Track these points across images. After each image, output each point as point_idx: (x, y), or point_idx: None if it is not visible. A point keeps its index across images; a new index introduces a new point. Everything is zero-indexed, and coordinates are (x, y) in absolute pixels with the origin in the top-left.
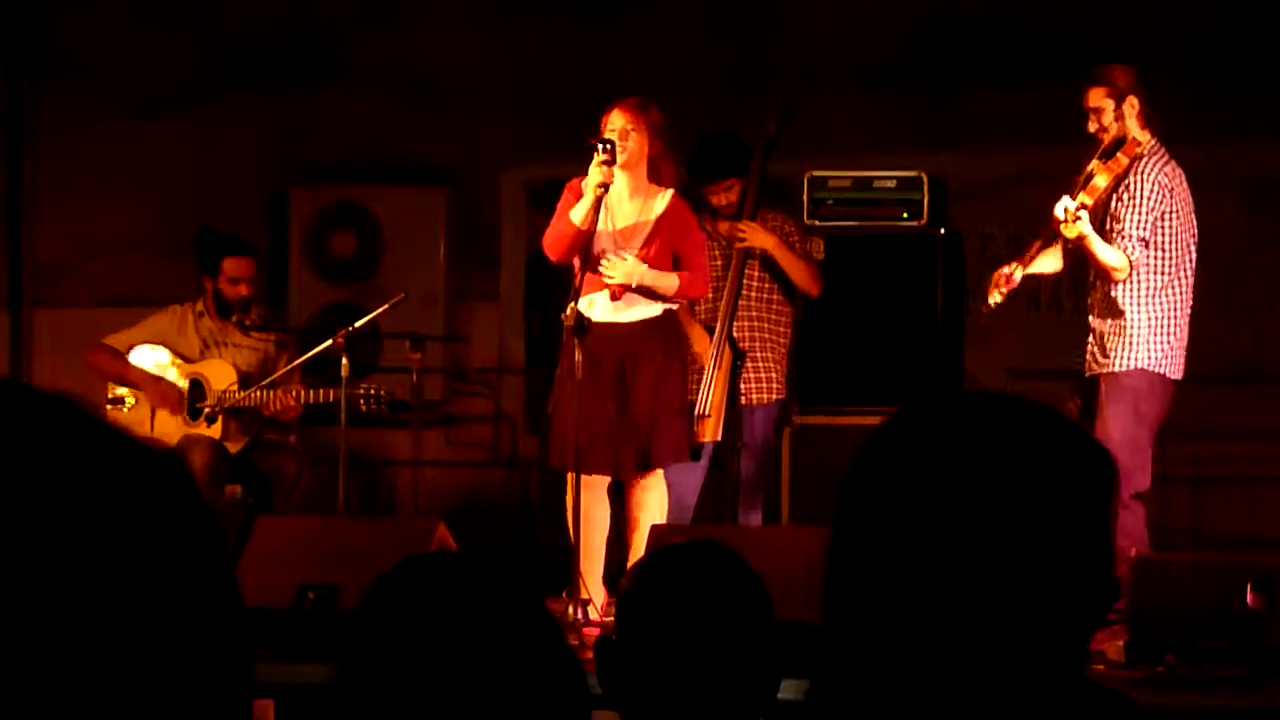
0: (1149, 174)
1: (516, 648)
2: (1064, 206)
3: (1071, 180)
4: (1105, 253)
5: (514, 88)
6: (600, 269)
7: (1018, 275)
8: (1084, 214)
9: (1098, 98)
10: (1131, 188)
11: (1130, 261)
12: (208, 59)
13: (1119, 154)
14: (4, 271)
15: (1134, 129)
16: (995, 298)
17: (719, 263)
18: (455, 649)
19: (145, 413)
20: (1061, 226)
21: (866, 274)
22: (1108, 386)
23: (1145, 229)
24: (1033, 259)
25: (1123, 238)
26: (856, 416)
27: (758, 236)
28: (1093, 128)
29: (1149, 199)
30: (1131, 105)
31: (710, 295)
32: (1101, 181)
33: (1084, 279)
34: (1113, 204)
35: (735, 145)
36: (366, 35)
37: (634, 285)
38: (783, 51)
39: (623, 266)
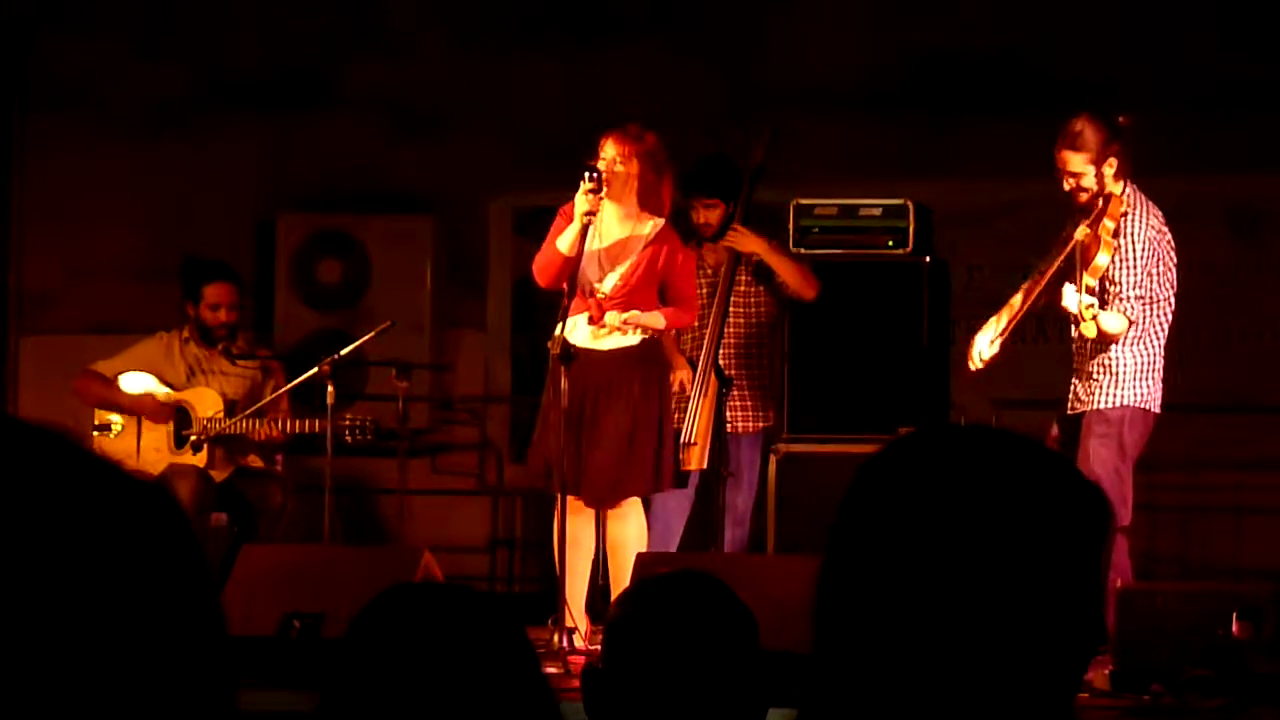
0: (1138, 232)
1: (493, 680)
2: (1077, 302)
3: (1055, 236)
4: (1111, 324)
5: (501, 115)
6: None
7: (997, 348)
8: (1095, 306)
9: (1078, 164)
10: (1123, 249)
11: (1130, 320)
12: (196, 86)
13: (1105, 219)
14: None
15: (1112, 185)
16: (975, 365)
17: (704, 291)
18: (432, 681)
19: (131, 440)
20: (1082, 326)
21: (852, 302)
22: (1093, 422)
23: (1142, 288)
24: (1010, 328)
25: (1121, 300)
26: (842, 445)
27: (748, 241)
28: (1067, 187)
29: (1141, 259)
30: (1110, 165)
31: (696, 323)
32: (1104, 259)
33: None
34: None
35: (725, 167)
36: (355, 63)
37: (629, 329)
38: (771, 79)
39: (613, 320)
